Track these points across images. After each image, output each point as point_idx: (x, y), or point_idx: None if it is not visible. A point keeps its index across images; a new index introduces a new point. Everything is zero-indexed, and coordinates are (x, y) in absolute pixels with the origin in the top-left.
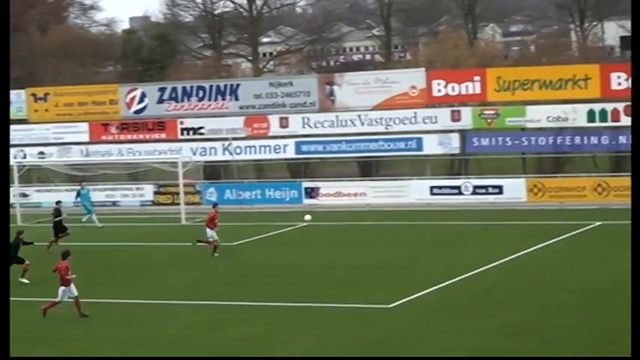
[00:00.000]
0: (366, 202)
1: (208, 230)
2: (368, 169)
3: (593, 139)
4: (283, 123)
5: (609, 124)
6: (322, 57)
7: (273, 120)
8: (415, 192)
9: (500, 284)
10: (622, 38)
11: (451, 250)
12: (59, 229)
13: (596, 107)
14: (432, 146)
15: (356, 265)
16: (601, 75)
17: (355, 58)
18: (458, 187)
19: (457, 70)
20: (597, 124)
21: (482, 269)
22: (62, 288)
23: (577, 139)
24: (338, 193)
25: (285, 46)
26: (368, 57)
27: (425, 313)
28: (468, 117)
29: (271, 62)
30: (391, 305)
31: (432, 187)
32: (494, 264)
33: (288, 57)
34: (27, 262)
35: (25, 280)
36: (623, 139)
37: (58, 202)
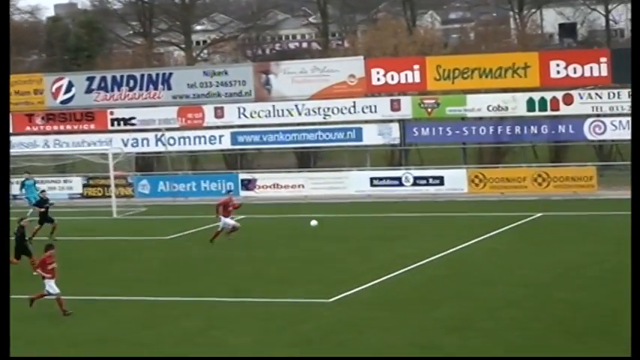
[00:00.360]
0: (304, 194)
1: (222, 218)
2: (306, 160)
3: (533, 129)
4: (218, 113)
5: (549, 113)
6: (258, 45)
7: (208, 110)
8: (355, 183)
9: (442, 277)
10: (561, 25)
11: (392, 243)
12: (45, 220)
13: (536, 96)
14: (371, 136)
15: (294, 258)
16: (540, 63)
17: (292, 46)
18: (398, 179)
19: (396, 58)
20: (537, 113)
21: (423, 262)
22: (49, 281)
23: (517, 129)
24: (275, 185)
25: (219, 34)
26: (305, 45)
27: (365, 307)
28: (407, 106)
29: (205, 51)
30: (331, 300)
31: (371, 179)
32: (435, 257)
33: (223, 45)
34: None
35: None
36: (563, 129)
37: (42, 192)
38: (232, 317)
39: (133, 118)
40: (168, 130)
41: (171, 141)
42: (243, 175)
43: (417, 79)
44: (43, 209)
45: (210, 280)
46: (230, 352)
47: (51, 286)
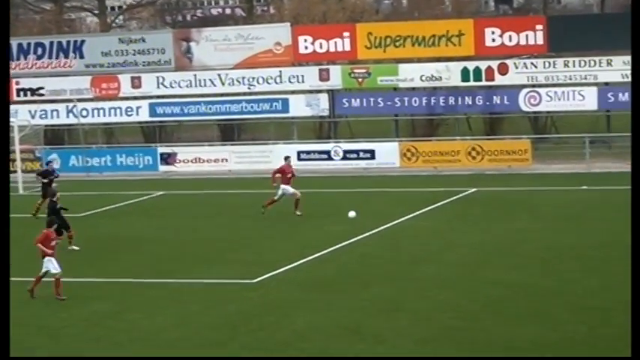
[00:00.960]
0: (227, 169)
1: (282, 186)
2: (229, 132)
3: (467, 100)
4: (135, 83)
5: (483, 83)
6: (177, 11)
7: (124, 80)
8: (281, 157)
9: (372, 256)
10: None
11: (320, 220)
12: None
13: (470, 65)
14: (298, 108)
15: (217, 238)
16: (475, 31)
17: (214, 12)
18: (327, 152)
19: (325, 25)
20: (471, 83)
21: (352, 240)
22: (50, 259)
23: (451, 100)
24: (197, 159)
25: (136, 0)
26: (228, 11)
27: (292, 288)
28: (337, 76)
29: (120, 17)
30: (255, 280)
31: (299, 152)
32: (365, 235)
33: (140, 11)
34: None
35: (76, 247)
36: (497, 100)
37: (48, 163)
38: (149, 299)
39: (42, 88)
40: (80, 100)
41: (84, 112)
42: (162, 149)
43: (347, 48)
44: (46, 180)
45: (126, 261)
46: (146, 335)
47: (53, 263)
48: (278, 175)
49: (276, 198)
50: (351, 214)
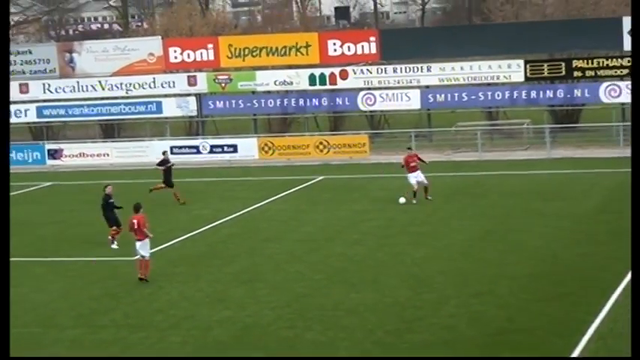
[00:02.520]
0: (109, 162)
1: (409, 175)
2: (110, 131)
3: (315, 101)
4: (23, 89)
5: (327, 87)
6: (61, 26)
7: (13, 86)
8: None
9: (235, 235)
10: (336, 9)
11: (190, 205)
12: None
13: (317, 72)
14: (171, 109)
15: (99, 222)
16: (319, 42)
17: (94, 27)
18: (196, 147)
19: (192, 38)
20: (317, 87)
21: (218, 222)
22: (139, 243)
23: (301, 101)
24: (82, 154)
25: (23, 16)
26: (106, 26)
27: (167, 263)
28: (203, 82)
29: (9, 32)
30: (134, 258)
31: (172, 147)
32: (229, 217)
33: (26, 26)
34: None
35: (114, 246)
36: (340, 101)
37: (163, 153)
38: (37, 276)
39: None
40: None
41: None
42: (49, 146)
43: (212, 57)
44: (164, 167)
45: (16, 242)
46: (34, 307)
47: (145, 247)
48: (406, 164)
49: (414, 188)
50: (402, 199)
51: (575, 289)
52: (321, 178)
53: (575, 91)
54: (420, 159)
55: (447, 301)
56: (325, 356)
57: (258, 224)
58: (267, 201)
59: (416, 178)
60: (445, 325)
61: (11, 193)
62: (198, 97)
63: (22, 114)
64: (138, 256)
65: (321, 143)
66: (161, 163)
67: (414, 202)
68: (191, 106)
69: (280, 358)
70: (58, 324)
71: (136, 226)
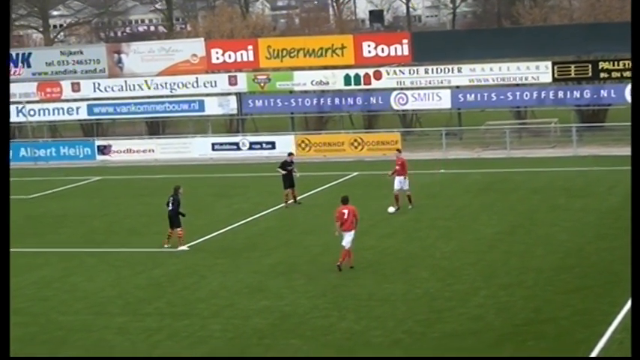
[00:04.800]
0: (154, 158)
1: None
2: (156, 128)
3: (350, 100)
4: (75, 87)
5: (362, 87)
6: (110, 28)
7: (66, 85)
8: (198, 148)
9: (273, 229)
10: (371, 12)
11: (230, 199)
12: (288, 182)
13: (351, 72)
14: (212, 107)
15: (145, 214)
16: (354, 44)
17: (140, 29)
18: (236, 144)
19: (232, 40)
20: (352, 87)
21: (257, 216)
22: (345, 233)
23: (336, 100)
24: (129, 150)
25: (75, 19)
26: (152, 28)
27: (208, 255)
28: (243, 81)
29: (62, 33)
30: (178, 249)
31: (213, 144)
32: (268, 211)
33: (78, 28)
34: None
35: (186, 247)
36: (374, 100)
37: (290, 154)
38: (88, 265)
39: None
40: (28, 102)
41: (32, 112)
42: (99, 142)
43: (251, 58)
44: (285, 172)
45: (68, 233)
46: (86, 295)
47: (349, 237)
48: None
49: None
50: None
51: (600, 282)
52: (355, 174)
53: (602, 91)
54: (401, 165)
55: (475, 292)
56: (330, 356)
57: (295, 218)
58: (303, 196)
59: (400, 183)
60: (474, 316)
61: (63, 187)
62: (239, 96)
63: (74, 111)
64: (345, 244)
65: (355, 141)
66: (283, 167)
67: (397, 208)
68: (232, 105)
69: (281, 358)
70: (107, 311)
71: (345, 217)
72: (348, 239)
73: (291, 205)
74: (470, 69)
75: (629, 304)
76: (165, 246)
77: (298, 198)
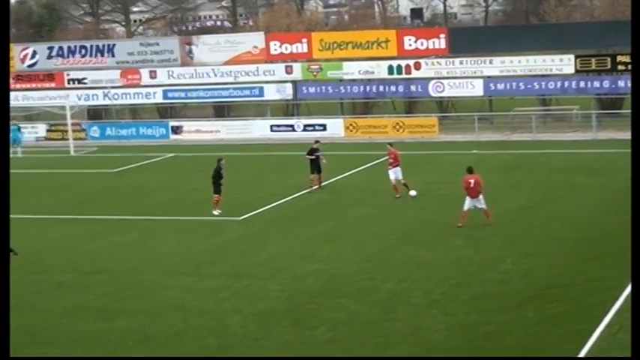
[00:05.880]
0: (220, 138)
1: (390, 171)
2: (221, 111)
3: (392, 88)
4: (152, 75)
5: (403, 76)
6: (182, 23)
7: (144, 72)
8: (258, 129)
9: (323, 201)
10: (412, 10)
11: (286, 174)
12: (315, 168)
13: (394, 63)
14: (271, 93)
15: (209, 186)
16: (397, 38)
17: (209, 24)
18: (292, 126)
19: (289, 33)
20: (395, 76)
21: (309, 190)
22: (472, 199)
23: (381, 88)
24: (198, 130)
25: (152, 14)
26: (219, 23)
27: (266, 223)
28: (298, 71)
29: (141, 27)
30: (240, 218)
31: (271, 126)
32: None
33: (155, 23)
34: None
35: (216, 212)
36: (414, 88)
37: (316, 141)
38: (162, 231)
39: (85, 78)
40: (112, 87)
41: (116, 96)
42: (173, 123)
43: (305, 50)
44: (313, 157)
45: (145, 203)
46: (160, 257)
47: (480, 201)
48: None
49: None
50: (412, 193)
51: (615, 252)
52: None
53: (619, 82)
54: (394, 158)
55: (502, 259)
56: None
57: (343, 192)
58: (350, 172)
59: (395, 174)
60: (500, 280)
61: (141, 163)
62: (294, 83)
63: (152, 96)
64: (466, 209)
65: (397, 124)
66: (310, 153)
67: (398, 196)
68: (288, 91)
69: (283, 358)
70: (176, 272)
71: (472, 185)
72: (472, 203)
73: (315, 191)
74: (500, 61)
75: None
76: (214, 212)
77: (344, 175)
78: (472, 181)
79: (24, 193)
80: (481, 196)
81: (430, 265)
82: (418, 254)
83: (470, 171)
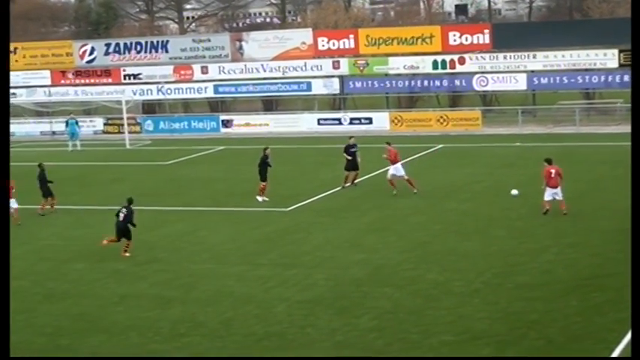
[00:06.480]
0: (269, 131)
1: (390, 168)
2: (270, 105)
3: (437, 83)
4: (204, 70)
5: (448, 70)
6: (233, 20)
7: (196, 68)
8: (306, 123)
9: (370, 192)
10: (456, 6)
11: (333, 166)
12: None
13: (439, 58)
14: (318, 88)
15: (258, 179)
16: (442, 34)
17: (258, 20)
18: (338, 119)
19: (336, 30)
20: (439, 70)
21: (356, 181)
22: (548, 189)
23: (425, 82)
24: (247, 124)
25: (204, 11)
26: (268, 20)
27: (314, 214)
28: (345, 66)
29: (193, 24)
30: (288, 209)
31: (318, 119)
32: (366, 177)
33: (206, 20)
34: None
35: (260, 199)
36: (458, 82)
37: (351, 137)
38: (213, 222)
39: (140, 73)
40: (166, 83)
41: (169, 91)
42: (223, 117)
43: (352, 46)
44: (350, 158)
45: (197, 195)
46: (211, 247)
47: (553, 192)
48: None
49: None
50: (514, 192)
51: None
52: (440, 146)
53: None
54: (393, 155)
55: (545, 249)
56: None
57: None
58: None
59: (395, 170)
60: (544, 270)
61: (194, 155)
62: (341, 78)
63: (203, 90)
64: (547, 199)
65: (441, 117)
66: (346, 150)
67: (394, 192)
68: (335, 86)
69: (283, 358)
70: (227, 261)
71: (552, 175)
72: (552, 193)
73: (349, 188)
74: (544, 55)
75: None
76: (259, 198)
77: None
78: (553, 171)
79: (84, 184)
80: (559, 188)
81: (473, 255)
82: (461, 244)
83: (549, 162)
